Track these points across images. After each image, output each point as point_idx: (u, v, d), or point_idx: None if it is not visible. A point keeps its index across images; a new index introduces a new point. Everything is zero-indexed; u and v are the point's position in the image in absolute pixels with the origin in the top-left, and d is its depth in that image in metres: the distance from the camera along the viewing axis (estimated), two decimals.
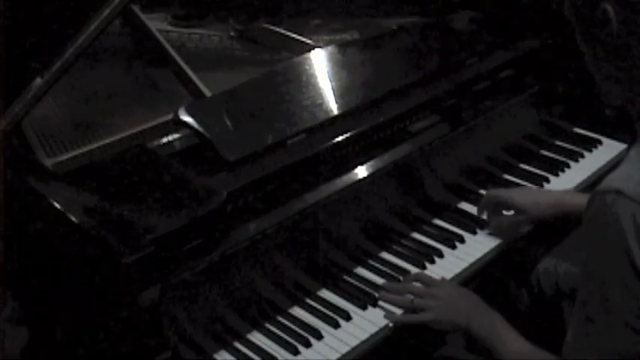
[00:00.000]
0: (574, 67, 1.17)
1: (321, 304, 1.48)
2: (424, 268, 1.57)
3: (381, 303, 1.47)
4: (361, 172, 1.57)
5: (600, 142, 2.02)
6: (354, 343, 1.39)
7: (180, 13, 2.11)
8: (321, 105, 1.59)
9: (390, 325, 1.43)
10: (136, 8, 1.96)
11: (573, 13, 1.12)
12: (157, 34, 1.87)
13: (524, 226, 1.64)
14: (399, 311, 1.45)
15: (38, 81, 1.38)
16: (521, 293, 1.67)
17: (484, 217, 1.68)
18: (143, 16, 1.94)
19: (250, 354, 1.36)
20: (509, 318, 1.38)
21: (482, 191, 1.84)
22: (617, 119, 1.20)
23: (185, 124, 1.46)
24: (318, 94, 1.60)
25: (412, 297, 1.45)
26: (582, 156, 1.98)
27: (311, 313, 1.46)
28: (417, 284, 1.49)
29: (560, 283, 1.63)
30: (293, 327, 1.42)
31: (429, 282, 1.49)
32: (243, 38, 2.02)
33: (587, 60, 1.14)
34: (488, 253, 1.63)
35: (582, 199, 1.55)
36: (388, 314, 1.44)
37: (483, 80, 1.84)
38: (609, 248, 1.04)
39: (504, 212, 1.66)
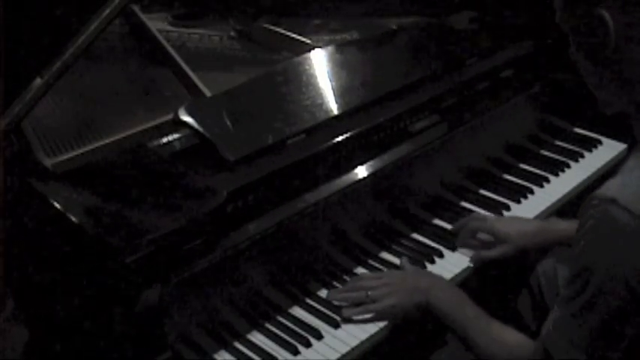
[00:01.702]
0: (574, 67, 1.17)
1: (321, 304, 1.48)
2: (424, 268, 1.57)
3: None
4: (361, 172, 1.57)
5: (600, 142, 2.03)
6: (354, 343, 1.39)
7: (180, 13, 2.11)
8: (321, 105, 1.59)
9: (390, 325, 1.43)
10: (136, 8, 1.96)
11: (567, 22, 1.11)
12: (157, 34, 1.87)
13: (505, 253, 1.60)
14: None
15: (38, 81, 1.38)
16: (522, 294, 1.67)
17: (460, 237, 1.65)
18: (143, 16, 1.94)
19: (250, 354, 1.36)
20: (512, 318, 1.37)
21: (483, 191, 1.84)
22: (617, 119, 1.20)
23: (185, 124, 1.46)
24: (318, 94, 1.60)
25: (366, 292, 1.43)
26: (582, 156, 1.98)
27: (311, 313, 1.46)
28: (367, 281, 1.47)
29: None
30: (293, 327, 1.42)
31: (377, 275, 1.49)
32: (243, 38, 2.02)
33: (582, 69, 1.14)
34: None
35: (565, 226, 1.57)
36: (345, 309, 1.43)
37: (483, 80, 1.84)
38: (600, 255, 1.05)
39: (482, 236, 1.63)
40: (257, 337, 1.40)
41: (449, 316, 1.35)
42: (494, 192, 1.84)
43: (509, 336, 1.28)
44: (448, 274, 1.56)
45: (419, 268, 1.53)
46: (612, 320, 1.07)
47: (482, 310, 1.33)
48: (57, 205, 1.30)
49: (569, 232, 1.54)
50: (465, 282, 1.57)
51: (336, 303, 1.45)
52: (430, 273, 1.46)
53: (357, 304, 1.43)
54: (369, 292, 1.42)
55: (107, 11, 1.36)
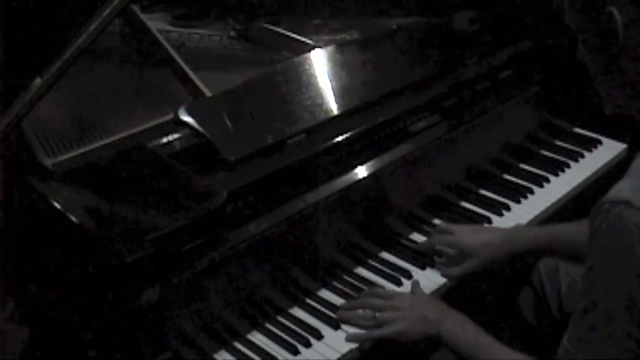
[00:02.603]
0: (574, 67, 1.17)
1: (321, 304, 1.48)
2: (424, 268, 1.57)
3: None
4: (361, 172, 1.57)
5: (600, 142, 2.03)
6: (354, 343, 1.39)
7: (180, 13, 2.11)
8: (321, 105, 1.59)
9: None
10: (136, 8, 1.95)
11: (576, 20, 1.10)
12: (157, 34, 1.87)
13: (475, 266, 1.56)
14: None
15: (38, 81, 1.38)
16: (525, 291, 1.67)
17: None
18: (143, 16, 1.94)
19: (250, 354, 1.37)
20: (513, 318, 1.36)
21: (483, 191, 1.84)
22: (617, 119, 1.19)
23: (185, 124, 1.46)
24: (318, 94, 1.60)
25: (373, 313, 1.40)
26: (582, 156, 1.98)
27: (311, 313, 1.46)
28: (376, 300, 1.44)
29: (563, 301, 1.61)
30: (293, 327, 1.42)
31: (387, 295, 1.45)
32: (243, 38, 2.02)
33: (591, 69, 1.13)
34: None
35: (534, 233, 1.56)
36: (351, 335, 1.40)
37: (483, 80, 1.84)
38: (615, 258, 1.02)
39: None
40: (257, 337, 1.40)
41: (462, 347, 1.32)
42: (494, 192, 1.84)
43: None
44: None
45: (429, 296, 1.49)
46: (634, 326, 1.02)
47: (493, 337, 1.31)
48: (57, 205, 1.30)
49: (539, 238, 1.53)
50: (464, 282, 1.57)
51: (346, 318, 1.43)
52: (440, 303, 1.42)
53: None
54: (377, 315, 1.39)
55: (107, 11, 1.36)
